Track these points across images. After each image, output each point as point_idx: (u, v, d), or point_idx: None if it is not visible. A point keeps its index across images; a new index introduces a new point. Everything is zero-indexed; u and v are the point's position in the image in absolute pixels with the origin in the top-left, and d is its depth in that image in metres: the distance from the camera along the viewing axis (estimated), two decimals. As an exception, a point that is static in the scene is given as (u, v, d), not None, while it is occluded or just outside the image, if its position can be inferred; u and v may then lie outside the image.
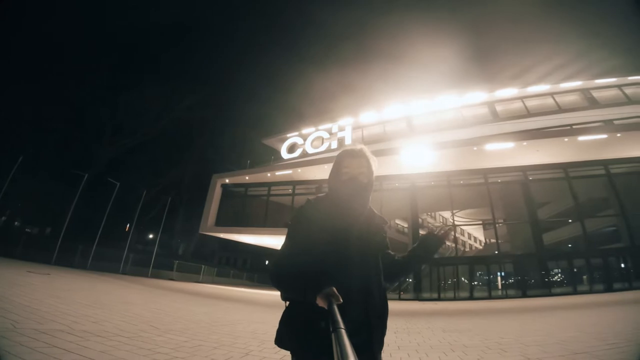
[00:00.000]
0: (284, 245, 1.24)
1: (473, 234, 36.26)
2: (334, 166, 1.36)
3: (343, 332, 0.72)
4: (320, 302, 0.97)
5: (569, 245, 19.29)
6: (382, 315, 1.21)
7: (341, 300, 0.94)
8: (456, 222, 32.21)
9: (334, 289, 0.98)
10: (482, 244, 33.86)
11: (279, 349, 1.19)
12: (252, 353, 3.65)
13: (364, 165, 1.31)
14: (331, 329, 0.76)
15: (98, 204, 24.41)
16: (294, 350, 1.14)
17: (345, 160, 1.32)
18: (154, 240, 32.24)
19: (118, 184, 22.94)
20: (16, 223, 29.00)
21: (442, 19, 39.86)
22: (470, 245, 35.41)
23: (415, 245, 1.43)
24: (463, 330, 5.89)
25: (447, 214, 28.03)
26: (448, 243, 21.03)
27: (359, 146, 1.36)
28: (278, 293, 1.19)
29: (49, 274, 10.61)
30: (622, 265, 17.39)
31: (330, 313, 0.87)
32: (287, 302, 1.21)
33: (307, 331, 1.08)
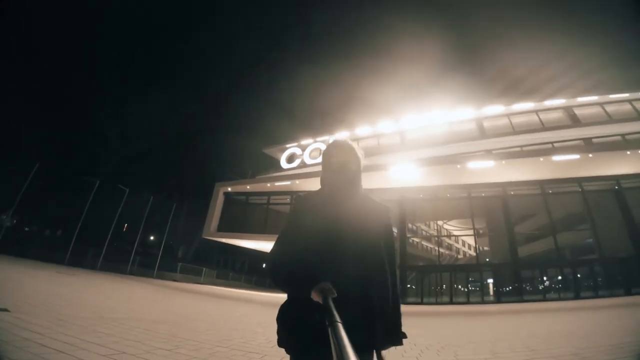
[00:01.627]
0: (277, 241, 1.24)
1: (455, 245, 37.83)
2: (323, 161, 1.38)
3: (339, 325, 0.72)
4: (315, 297, 0.96)
5: (542, 257, 20.66)
6: (383, 309, 1.16)
7: (336, 294, 0.94)
8: (441, 234, 33.83)
9: (329, 283, 0.98)
10: (464, 254, 35.54)
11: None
12: (259, 333, 5.18)
13: (350, 153, 1.33)
14: (327, 323, 0.75)
15: (106, 208, 25.86)
16: (289, 346, 1.13)
17: (333, 150, 1.34)
18: (154, 242, 33.65)
19: (127, 190, 24.43)
20: (26, 228, 30.30)
21: (433, 37, 41.61)
22: (456, 253, 36.94)
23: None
24: (419, 326, 7.43)
25: (433, 224, 29.72)
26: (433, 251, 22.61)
27: (343, 138, 1.40)
28: (276, 294, 1.70)
29: (74, 275, 12.12)
30: (591, 276, 18.85)
31: (325, 307, 0.86)
32: (286, 298, 1.19)
33: (301, 325, 1.07)
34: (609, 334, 4.94)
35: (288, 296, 1.18)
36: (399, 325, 1.24)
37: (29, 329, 3.34)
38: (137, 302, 7.75)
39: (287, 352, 1.14)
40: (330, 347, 0.65)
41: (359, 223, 1.21)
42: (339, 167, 1.31)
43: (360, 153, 1.37)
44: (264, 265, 45.96)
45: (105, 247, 21.77)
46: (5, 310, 4.08)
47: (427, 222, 31.24)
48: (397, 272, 1.33)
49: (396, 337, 1.22)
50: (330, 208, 1.23)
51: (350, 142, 1.38)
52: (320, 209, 1.24)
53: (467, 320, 9.57)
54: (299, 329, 1.09)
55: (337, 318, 0.76)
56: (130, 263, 23.45)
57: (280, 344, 1.17)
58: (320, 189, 1.37)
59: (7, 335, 2.97)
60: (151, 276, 24.08)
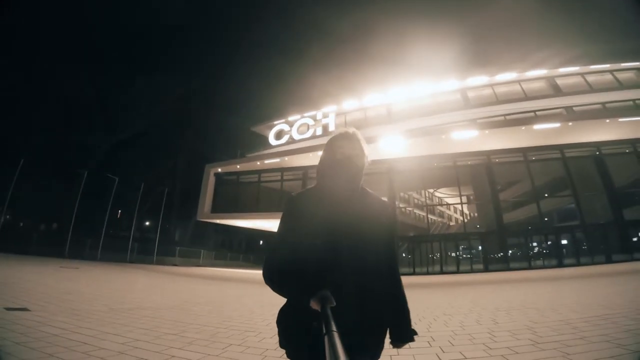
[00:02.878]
0: (273, 245, 1.22)
1: (447, 212, 38.94)
2: (326, 149, 1.31)
3: (335, 335, 0.73)
4: (314, 305, 0.96)
5: (527, 224, 21.54)
6: (380, 313, 1.15)
7: (334, 304, 0.93)
8: (432, 202, 34.71)
9: (328, 291, 0.98)
10: (456, 220, 36.74)
11: (278, 309, 1.18)
12: (256, 313, 5.76)
13: (357, 147, 1.27)
14: (324, 332, 0.77)
15: (98, 197, 26.06)
16: (287, 349, 1.14)
17: (339, 141, 1.28)
18: (150, 228, 34.11)
19: (117, 178, 24.55)
20: (21, 223, 30.38)
21: (418, 11, 40.96)
22: (448, 220, 38.18)
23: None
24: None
25: (424, 193, 30.55)
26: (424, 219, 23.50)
27: (351, 129, 1.32)
28: None
29: (77, 268, 12.60)
30: (573, 243, 19.83)
31: (323, 316, 0.86)
32: (285, 301, 1.19)
33: (300, 331, 1.07)
34: (567, 309, 5.56)
35: (287, 300, 1.18)
36: (408, 323, 1.24)
37: (53, 325, 3.82)
38: (142, 291, 8.33)
39: (287, 355, 1.15)
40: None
41: (359, 226, 1.17)
42: (345, 160, 1.23)
43: (366, 149, 1.30)
44: (260, 242, 47.07)
45: (102, 236, 22.16)
46: (26, 309, 4.54)
47: (419, 191, 32.10)
48: (399, 269, 1.31)
49: (406, 335, 1.22)
50: (327, 209, 1.18)
51: (358, 134, 1.32)
52: (317, 210, 1.19)
53: (450, 292, 10.40)
54: (297, 336, 1.10)
55: (334, 327, 0.77)
56: (129, 251, 23.97)
57: (282, 345, 1.17)
58: (315, 186, 1.31)
59: (36, 333, 3.45)
60: (151, 262, 24.74)
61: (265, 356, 3.25)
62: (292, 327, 1.14)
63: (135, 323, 4.38)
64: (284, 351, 1.16)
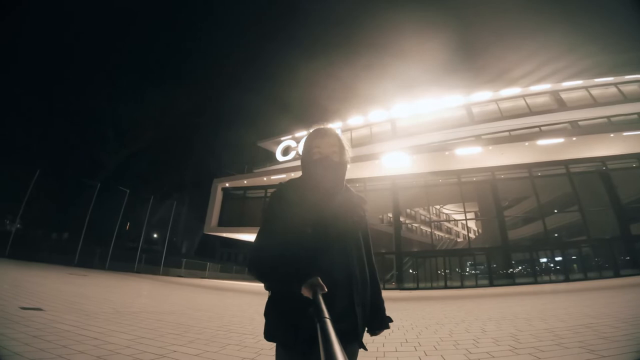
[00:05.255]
0: (260, 234, 1.20)
1: (454, 229, 38.71)
2: (304, 147, 1.32)
3: (328, 321, 0.73)
4: (305, 292, 0.96)
5: (532, 240, 21.33)
6: (365, 300, 1.19)
7: (326, 290, 0.94)
8: (435, 219, 34.59)
9: (319, 278, 0.98)
10: (464, 237, 36.47)
11: None
12: (255, 319, 5.99)
13: (335, 144, 1.27)
14: (316, 319, 0.76)
15: (109, 208, 26.67)
16: (279, 341, 1.12)
17: (316, 140, 1.28)
18: (158, 239, 34.56)
19: (128, 191, 25.19)
20: (33, 233, 31.11)
21: (422, 27, 41.81)
22: (455, 237, 37.91)
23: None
24: (400, 310, 8.28)
25: (430, 209, 30.52)
26: (429, 235, 23.50)
27: (328, 125, 1.33)
28: None
29: (86, 275, 12.97)
30: (580, 258, 19.52)
31: (314, 303, 0.87)
32: (270, 292, 1.18)
33: (291, 321, 1.07)
34: (555, 319, 5.70)
35: (273, 290, 1.17)
36: (384, 310, 1.31)
37: (65, 322, 4.14)
38: (147, 297, 8.66)
39: (277, 346, 1.14)
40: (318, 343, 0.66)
41: (343, 216, 1.20)
42: (321, 158, 1.26)
43: (346, 143, 1.32)
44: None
45: (111, 247, 22.63)
46: (39, 309, 4.87)
47: (425, 207, 32.11)
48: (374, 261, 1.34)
49: (383, 322, 1.28)
50: (315, 200, 1.20)
51: (335, 129, 1.33)
52: (303, 199, 1.20)
53: (448, 304, 10.46)
54: (289, 326, 1.08)
55: (326, 314, 0.77)
56: (136, 261, 24.38)
57: (269, 338, 1.15)
58: (301, 176, 1.31)
59: (50, 328, 3.76)
60: (157, 273, 25.07)
61: (260, 354, 3.50)
62: (282, 317, 1.12)
63: (140, 324, 4.67)
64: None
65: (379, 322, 1.28)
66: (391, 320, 1.30)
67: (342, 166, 1.28)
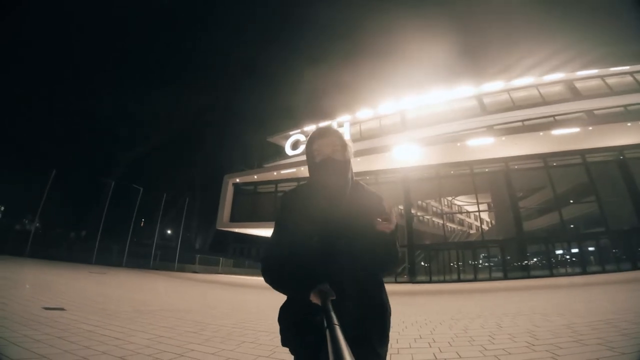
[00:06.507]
0: (270, 241, 1.22)
1: (467, 220, 38.33)
2: (306, 152, 1.30)
3: (337, 328, 0.72)
4: (314, 299, 0.96)
5: (548, 231, 20.92)
6: (377, 307, 1.16)
7: (335, 296, 0.94)
8: (448, 210, 34.23)
9: (327, 285, 0.98)
10: (477, 228, 36.06)
11: None
12: (270, 316, 6.07)
13: (335, 143, 1.24)
14: (325, 326, 0.76)
15: (123, 206, 27.23)
16: (291, 346, 1.14)
17: (315, 142, 1.25)
18: (172, 236, 35.18)
19: (141, 188, 25.65)
20: (52, 232, 32.04)
21: (432, 17, 41.06)
22: (468, 228, 37.56)
23: None
24: (413, 305, 8.28)
25: (442, 201, 30.25)
26: (442, 227, 23.39)
27: (326, 125, 1.74)
28: None
29: (105, 273, 13.33)
30: (597, 250, 19.19)
31: (324, 309, 0.87)
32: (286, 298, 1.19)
33: (302, 327, 1.08)
34: (573, 314, 5.62)
35: (287, 297, 1.19)
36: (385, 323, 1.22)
37: (87, 322, 4.27)
38: (165, 295, 8.90)
39: (291, 352, 1.15)
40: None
41: (352, 219, 1.15)
42: (322, 160, 1.22)
43: (348, 140, 1.28)
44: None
45: (127, 244, 23.15)
46: (62, 309, 5.03)
47: (437, 199, 31.89)
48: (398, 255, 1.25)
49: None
50: (320, 204, 1.18)
51: (334, 128, 1.30)
52: (310, 205, 1.19)
53: (463, 298, 10.42)
54: (300, 333, 1.09)
55: (335, 321, 0.77)
56: (152, 258, 24.91)
57: (284, 343, 1.16)
58: (307, 182, 1.30)
59: (73, 329, 3.89)
60: (172, 269, 25.57)
61: (275, 352, 3.56)
62: (293, 323, 1.13)
63: (158, 322, 4.79)
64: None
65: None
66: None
67: (345, 164, 1.23)
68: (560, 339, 3.75)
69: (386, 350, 1.15)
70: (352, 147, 1.29)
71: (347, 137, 1.28)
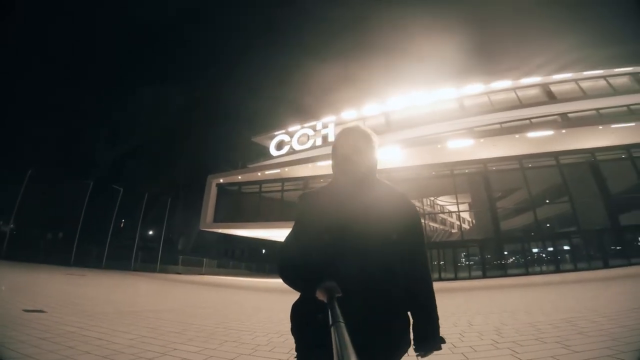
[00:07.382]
0: (285, 242, 1.23)
1: (449, 220, 39.14)
2: (332, 151, 1.27)
3: (342, 325, 0.72)
4: (320, 296, 0.97)
5: (524, 231, 21.64)
6: (387, 312, 1.10)
7: (341, 294, 0.94)
8: (428, 210, 34.86)
9: (334, 282, 0.98)
10: (458, 227, 36.92)
11: (279, 321, 1.54)
12: (252, 315, 6.20)
13: (359, 142, 1.21)
14: (330, 322, 0.77)
15: (102, 207, 26.65)
16: (300, 344, 1.15)
17: (340, 140, 1.24)
18: (154, 236, 34.61)
19: (122, 189, 25.18)
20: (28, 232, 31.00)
21: (417, 19, 41.79)
22: (450, 228, 38.36)
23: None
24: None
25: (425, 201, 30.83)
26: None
27: (353, 123, 1.30)
28: (273, 279, 1.70)
29: (84, 275, 13.09)
30: (570, 249, 19.99)
31: (329, 306, 0.87)
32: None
33: (306, 323, 1.10)
34: (540, 312, 5.93)
35: (300, 295, 1.19)
36: (434, 328, 1.18)
37: (69, 324, 4.30)
38: (146, 296, 8.86)
39: (297, 349, 1.16)
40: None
41: (367, 218, 1.12)
42: (344, 159, 1.21)
43: (375, 141, 1.25)
44: (263, 252, 47.46)
45: (107, 245, 22.70)
46: (42, 311, 5.02)
47: (419, 199, 32.37)
48: (427, 263, 1.25)
49: (427, 341, 1.15)
50: (336, 205, 1.17)
51: (362, 128, 1.27)
52: (326, 206, 1.19)
53: (439, 297, 10.76)
54: (304, 328, 1.12)
55: (340, 318, 0.77)
56: (133, 259, 24.48)
57: (296, 341, 1.18)
58: (329, 183, 1.29)
59: (55, 330, 3.92)
60: (154, 270, 25.20)
61: (256, 350, 3.69)
62: (299, 318, 1.17)
63: (141, 323, 4.85)
64: (273, 346, 1.26)
65: (426, 340, 1.16)
66: (444, 342, 1.17)
67: (364, 163, 1.21)
68: (522, 336, 4.02)
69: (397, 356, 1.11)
70: (376, 145, 1.26)
71: (373, 136, 1.26)
